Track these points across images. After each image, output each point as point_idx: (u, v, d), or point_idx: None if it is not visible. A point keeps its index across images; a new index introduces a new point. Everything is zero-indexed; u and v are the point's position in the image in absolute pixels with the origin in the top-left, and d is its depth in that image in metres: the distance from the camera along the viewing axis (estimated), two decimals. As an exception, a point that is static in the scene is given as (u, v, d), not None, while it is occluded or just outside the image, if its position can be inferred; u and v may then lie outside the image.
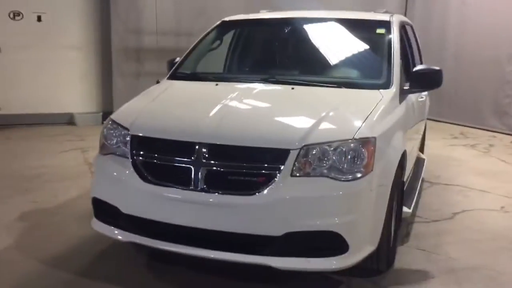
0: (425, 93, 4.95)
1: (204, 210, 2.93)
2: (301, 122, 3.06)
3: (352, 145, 2.95)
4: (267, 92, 3.68)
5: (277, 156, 2.89)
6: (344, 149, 2.94)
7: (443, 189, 5.51)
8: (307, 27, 4.41)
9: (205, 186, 2.94)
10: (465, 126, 9.39)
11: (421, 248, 3.90)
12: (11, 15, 8.34)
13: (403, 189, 3.87)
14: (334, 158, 2.92)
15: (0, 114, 8.42)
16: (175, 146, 3.05)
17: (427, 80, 3.90)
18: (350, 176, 2.92)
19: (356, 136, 2.98)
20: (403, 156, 3.67)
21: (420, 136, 5.54)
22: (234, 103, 3.36)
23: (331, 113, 3.19)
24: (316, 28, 4.37)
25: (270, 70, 4.19)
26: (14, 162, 6.09)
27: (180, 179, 2.99)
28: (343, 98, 3.50)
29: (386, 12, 4.73)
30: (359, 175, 2.94)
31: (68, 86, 8.76)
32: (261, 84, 3.78)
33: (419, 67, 3.92)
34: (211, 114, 3.16)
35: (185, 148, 3.00)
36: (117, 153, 3.26)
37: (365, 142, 2.99)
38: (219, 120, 3.09)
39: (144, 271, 3.43)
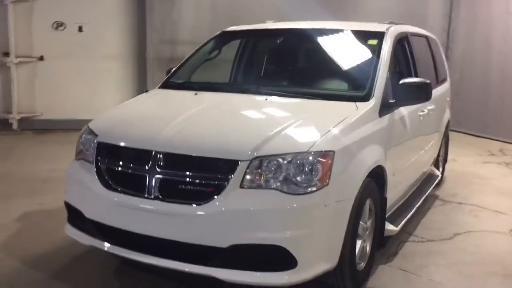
0: (431, 106, 4.74)
1: (155, 218, 2.96)
2: (258, 133, 3.03)
3: (306, 158, 2.89)
4: (239, 102, 3.67)
5: (226, 167, 2.88)
6: (297, 162, 2.89)
7: (455, 208, 5.26)
8: (301, 38, 4.38)
9: (158, 195, 2.97)
10: (507, 142, 8.91)
11: (403, 269, 3.74)
12: (55, 26, 8.81)
13: (385, 206, 3.72)
14: (287, 170, 2.88)
15: (41, 119, 8.89)
16: (133, 154, 3.11)
17: (414, 93, 3.77)
18: (302, 190, 2.86)
19: (312, 149, 2.92)
20: (381, 171, 3.55)
21: (432, 151, 5.32)
22: (200, 113, 3.39)
23: (293, 125, 3.14)
24: (310, 39, 4.32)
25: (255, 80, 4.20)
26: (38, 164, 6.40)
27: (137, 187, 3.03)
28: (314, 110, 3.45)
29: (391, 23, 4.60)
30: (311, 189, 2.87)
31: (105, 94, 9.10)
32: (238, 94, 3.78)
33: (406, 79, 3.78)
34: (173, 123, 3.19)
35: (142, 156, 3.05)
36: (86, 159, 3.36)
37: (321, 155, 2.92)
38: (177, 129, 3.12)
39: (111, 276, 3.50)
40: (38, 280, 3.40)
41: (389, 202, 3.93)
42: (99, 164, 3.24)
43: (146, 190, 2.99)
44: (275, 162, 2.88)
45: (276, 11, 8.92)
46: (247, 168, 2.86)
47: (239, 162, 2.86)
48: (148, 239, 2.99)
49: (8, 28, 8.46)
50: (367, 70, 3.80)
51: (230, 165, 2.87)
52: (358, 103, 3.49)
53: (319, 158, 2.91)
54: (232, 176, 2.85)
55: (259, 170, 2.88)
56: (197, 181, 2.93)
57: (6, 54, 8.56)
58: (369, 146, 3.36)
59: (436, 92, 5.26)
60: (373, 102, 3.55)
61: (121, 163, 3.16)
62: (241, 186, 2.86)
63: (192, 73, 4.46)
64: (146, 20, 8.99)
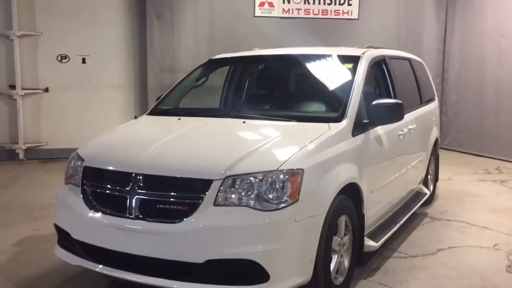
0: (412, 125, 4.90)
1: (136, 237, 3.12)
2: (231, 154, 3.20)
3: (276, 176, 3.06)
4: (218, 126, 3.86)
5: (200, 186, 3.05)
6: (268, 180, 3.05)
7: (442, 224, 5.35)
8: (281, 64, 4.60)
9: (138, 214, 3.15)
10: (505, 161, 8.98)
11: (382, 283, 3.85)
12: (59, 58, 9.13)
13: (363, 222, 3.85)
14: (258, 188, 3.04)
15: (46, 149, 9.15)
16: (116, 176, 3.30)
17: (386, 114, 3.94)
18: (272, 207, 3.02)
19: (281, 168, 3.08)
20: (356, 189, 3.70)
21: (418, 170, 5.45)
22: (179, 137, 3.59)
23: (266, 145, 3.32)
24: (289, 64, 4.54)
25: (236, 104, 4.38)
26: (40, 192, 6.61)
27: (119, 207, 3.21)
28: (288, 131, 3.63)
29: (370, 47, 4.80)
30: (281, 205, 3.03)
31: (108, 123, 9.33)
32: (219, 118, 3.98)
33: (379, 100, 3.95)
34: (152, 147, 3.39)
35: (123, 178, 3.24)
36: (75, 183, 3.55)
37: (290, 173, 3.08)
38: (156, 152, 3.32)
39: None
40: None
41: (370, 219, 4.07)
42: (85, 187, 3.44)
43: (127, 210, 3.17)
44: (246, 181, 3.05)
45: (273, 39, 9.20)
46: (220, 186, 3.03)
47: (213, 181, 3.03)
48: (130, 257, 3.15)
49: (14, 62, 8.78)
50: (341, 92, 3.98)
51: (204, 184, 3.04)
52: (331, 124, 3.67)
53: (289, 176, 3.07)
54: (206, 194, 3.02)
55: (232, 189, 3.05)
56: (174, 200, 3.10)
57: (13, 86, 8.87)
58: (341, 164, 3.51)
59: (420, 111, 5.45)
60: (346, 123, 3.72)
61: (104, 185, 3.35)
62: (215, 204, 3.02)
63: (180, 100, 4.67)
64: (146, 50, 9.30)
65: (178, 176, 3.11)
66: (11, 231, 5.04)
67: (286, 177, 3.07)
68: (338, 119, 3.74)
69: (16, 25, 8.71)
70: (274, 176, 3.06)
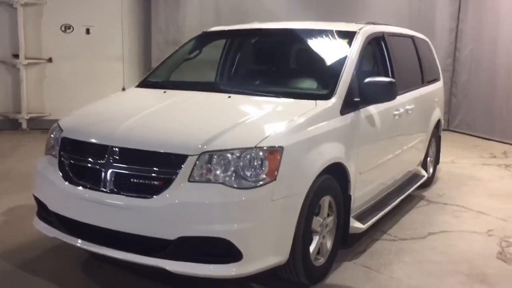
0: (410, 105, 4.75)
1: (110, 211, 3.06)
2: (209, 129, 3.10)
3: (253, 153, 2.96)
4: (202, 100, 3.77)
5: (175, 161, 2.97)
6: (245, 157, 2.96)
7: (438, 208, 5.24)
8: (274, 38, 4.47)
9: (113, 188, 3.08)
10: (513, 145, 8.78)
11: (366, 266, 3.77)
12: (63, 28, 9.05)
13: (350, 203, 3.75)
14: (235, 165, 2.95)
15: (49, 119, 9.11)
16: (92, 149, 3.23)
17: (378, 92, 3.81)
18: (248, 184, 2.93)
19: (260, 145, 2.99)
20: (343, 169, 3.59)
21: (416, 151, 5.32)
22: (159, 110, 3.51)
23: (246, 121, 3.22)
24: (283, 39, 4.40)
25: (225, 79, 4.27)
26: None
27: (94, 181, 3.15)
28: (273, 107, 3.52)
29: (369, 23, 4.64)
30: (258, 183, 2.94)
31: (111, 94, 9.29)
32: (205, 92, 3.88)
33: (371, 78, 3.81)
34: (131, 120, 3.30)
35: (100, 150, 3.17)
36: (53, 154, 3.49)
37: (269, 151, 2.99)
38: (134, 125, 3.23)
39: (78, 268, 3.63)
40: (5, 270, 3.54)
41: (359, 200, 3.98)
42: (62, 158, 3.38)
43: (102, 183, 3.11)
44: (223, 157, 2.96)
45: (280, 12, 9.03)
46: (196, 162, 2.95)
47: (188, 157, 2.94)
48: (105, 231, 3.10)
49: (18, 30, 8.72)
50: (333, 69, 3.85)
51: (178, 159, 2.96)
52: (318, 101, 3.55)
53: (267, 154, 2.98)
54: (181, 169, 2.94)
55: (208, 165, 2.96)
56: (149, 175, 3.03)
57: (16, 56, 8.83)
58: (326, 143, 3.40)
59: (420, 92, 5.29)
60: (334, 100, 3.60)
61: (81, 157, 3.29)
62: (190, 180, 2.94)
63: (170, 73, 4.57)
64: (151, 22, 9.18)
65: (153, 150, 3.03)
66: (4, 200, 5.03)
67: (265, 154, 2.97)
68: (326, 97, 3.62)
69: (20, -8, 8.63)
70: (252, 153, 2.97)
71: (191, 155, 2.95)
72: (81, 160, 3.28)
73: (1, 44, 8.84)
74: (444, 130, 10.02)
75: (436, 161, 6.30)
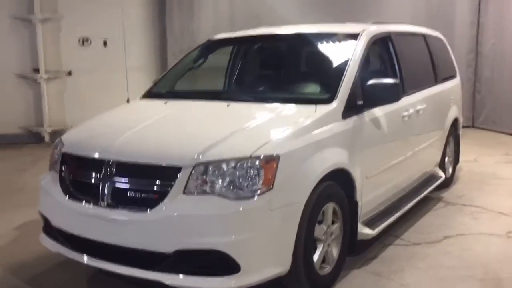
0: (421, 105, 4.62)
1: (108, 225, 3.05)
2: (203, 140, 3.06)
3: (249, 163, 2.91)
4: (201, 109, 3.74)
5: (169, 173, 2.94)
6: (241, 167, 2.91)
7: (456, 210, 5.07)
8: (277, 44, 4.42)
9: (110, 202, 3.07)
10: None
11: (377, 273, 3.67)
12: (81, 42, 9.18)
13: (356, 209, 3.66)
14: (231, 176, 2.90)
15: (70, 131, 9.27)
16: (90, 163, 3.23)
17: (381, 95, 3.72)
18: (244, 195, 2.88)
19: (255, 154, 2.93)
20: (347, 175, 3.51)
21: (431, 152, 5.17)
22: (157, 121, 3.49)
23: (243, 130, 3.18)
24: (285, 44, 4.36)
25: (226, 86, 4.24)
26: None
27: (93, 195, 3.15)
28: (271, 115, 3.47)
29: (375, 23, 4.54)
30: (254, 194, 2.88)
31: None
32: (205, 101, 3.85)
33: (374, 80, 3.71)
34: (128, 133, 3.29)
35: (97, 165, 3.16)
36: (55, 169, 3.51)
37: (264, 160, 2.93)
38: (130, 138, 3.22)
39: (85, 282, 3.64)
40: (14, 285, 3.58)
41: (367, 206, 3.88)
42: (63, 174, 3.39)
43: (100, 197, 3.10)
44: (218, 168, 2.92)
45: (294, 16, 8.94)
46: (190, 174, 2.91)
47: (181, 169, 2.91)
48: (104, 246, 3.09)
49: (37, 46, 8.88)
50: (334, 73, 3.77)
51: (172, 172, 2.93)
52: (318, 106, 3.48)
53: (263, 163, 2.92)
54: (175, 182, 2.91)
55: (204, 176, 2.92)
56: (145, 188, 3.01)
57: (36, 70, 8.99)
58: (326, 149, 3.32)
59: (433, 90, 5.15)
60: (335, 105, 3.52)
61: (80, 172, 3.30)
62: (185, 192, 2.91)
63: (175, 82, 4.56)
64: (166, 31, 9.23)
65: (147, 162, 3.02)
66: (18, 214, 5.09)
67: (260, 163, 2.92)
68: (327, 101, 3.54)
69: (38, 8, 8.78)
70: (247, 163, 2.91)
71: (185, 167, 2.91)
72: (80, 174, 3.29)
73: (21, 59, 9.00)
74: (468, 127, 9.90)
75: (456, 161, 6.12)
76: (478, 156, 7.41)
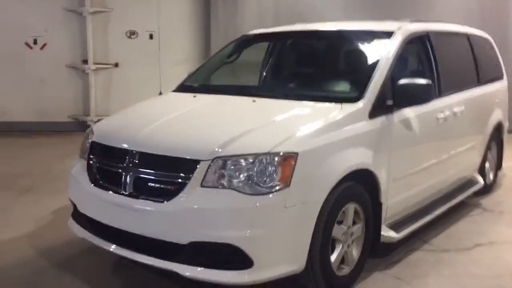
0: (460, 107, 4.47)
1: (128, 214, 3.12)
2: (224, 134, 3.08)
3: (266, 159, 2.91)
4: (227, 104, 3.75)
5: (188, 166, 2.97)
6: (258, 163, 2.91)
7: (493, 217, 4.89)
8: (309, 40, 4.38)
9: (132, 191, 3.14)
10: None
11: (399, 277, 3.59)
12: (128, 34, 9.40)
13: (380, 211, 3.59)
14: (248, 171, 2.91)
15: (115, 122, 9.52)
16: (115, 152, 3.31)
17: (412, 95, 3.63)
18: (261, 191, 2.88)
19: (273, 150, 2.93)
20: (371, 176, 3.44)
21: (469, 156, 4.99)
22: (183, 114, 3.54)
23: (264, 126, 3.17)
24: (318, 41, 4.30)
25: (256, 82, 4.23)
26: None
27: (116, 184, 3.22)
28: (295, 112, 3.44)
29: (415, 21, 4.43)
30: (270, 190, 2.88)
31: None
32: (233, 96, 3.86)
33: (404, 80, 3.62)
34: (153, 125, 3.35)
35: (122, 154, 3.24)
36: (84, 157, 3.62)
37: (282, 157, 2.92)
38: (154, 130, 3.28)
39: (109, 268, 3.73)
40: (41, 266, 3.72)
41: (393, 209, 3.80)
42: (91, 162, 3.49)
43: (122, 186, 3.17)
44: (236, 163, 2.93)
45: (340, 11, 8.87)
46: (208, 167, 2.93)
47: (200, 162, 2.94)
48: (125, 233, 3.16)
49: (87, 37, 9.15)
50: (364, 71, 3.71)
51: (191, 164, 2.96)
52: (344, 104, 3.43)
53: (280, 160, 2.91)
54: (193, 174, 2.94)
55: (222, 170, 2.94)
56: (164, 179, 3.06)
57: (85, 61, 9.27)
58: (349, 149, 3.27)
59: (474, 92, 4.99)
60: (362, 104, 3.46)
61: (106, 161, 3.38)
62: (202, 185, 2.94)
63: (208, 76, 4.60)
64: (210, 25, 9.33)
65: (168, 154, 3.06)
66: (54, 200, 5.27)
67: (278, 160, 2.91)
68: (354, 100, 3.49)
69: (89, 1, 9.02)
70: (265, 159, 2.91)
71: (204, 160, 2.94)
72: (106, 163, 3.37)
73: (71, 50, 9.30)
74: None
75: (498, 167, 5.89)
76: (526, 162, 7.09)
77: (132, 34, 9.40)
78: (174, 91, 4.41)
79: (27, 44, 9.15)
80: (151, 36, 9.44)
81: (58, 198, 5.29)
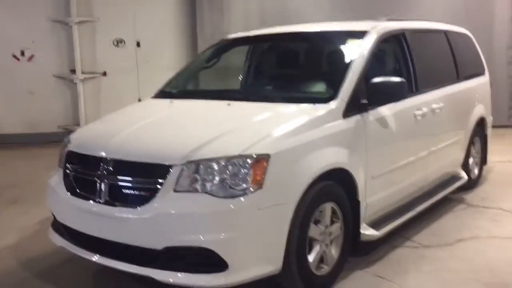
0: (438, 104, 4.50)
1: (104, 221, 3.13)
2: (197, 138, 3.10)
3: (239, 162, 2.93)
4: (201, 109, 3.78)
5: (161, 171, 2.98)
6: (231, 166, 2.93)
7: (476, 212, 4.90)
8: (286, 43, 4.42)
9: (108, 199, 3.15)
10: None
11: (379, 275, 3.60)
12: (115, 43, 9.43)
13: (358, 209, 3.61)
14: (220, 174, 2.93)
15: (105, 130, 9.53)
16: (90, 161, 3.33)
17: (385, 93, 3.66)
18: (233, 193, 2.90)
19: (245, 153, 2.95)
20: (348, 175, 3.46)
21: (451, 152, 5.01)
22: (156, 120, 3.57)
23: (236, 129, 3.19)
24: (293, 43, 4.33)
25: (231, 85, 4.25)
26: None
27: (92, 192, 3.24)
28: (269, 114, 3.46)
29: (390, 19, 4.47)
30: (243, 192, 2.90)
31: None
32: (208, 100, 3.88)
33: (377, 79, 3.64)
34: (126, 131, 3.37)
35: (96, 162, 3.25)
36: (61, 167, 3.63)
37: (255, 159, 2.93)
38: (127, 137, 3.30)
39: (91, 277, 3.73)
40: (22, 277, 3.73)
41: (375, 206, 3.82)
42: (67, 171, 3.50)
43: (98, 194, 3.19)
44: (208, 166, 2.95)
45: (327, 13, 8.91)
46: (181, 172, 2.95)
47: (172, 167, 2.96)
48: (102, 241, 3.17)
49: (74, 47, 9.17)
50: (338, 71, 3.73)
51: (163, 170, 2.98)
52: (318, 105, 3.46)
53: (253, 162, 2.93)
54: (166, 180, 2.96)
55: (195, 174, 2.96)
56: (138, 185, 3.08)
57: (73, 71, 9.29)
58: (323, 149, 3.29)
59: (453, 89, 5.01)
60: (336, 103, 3.48)
61: (81, 169, 3.40)
62: (175, 190, 2.95)
63: (187, 82, 4.63)
64: (197, 31, 9.36)
65: (140, 160, 3.08)
66: (42, 210, 5.21)
67: (250, 162, 2.93)
68: (327, 100, 3.51)
69: (75, 11, 9.05)
70: (237, 162, 2.93)
71: (176, 165, 2.96)
72: (82, 172, 3.39)
73: (59, 61, 9.31)
74: (509, 127, 9.53)
75: (483, 162, 5.91)
76: (513, 157, 7.13)
77: (119, 42, 9.43)
78: (153, 97, 4.43)
79: (14, 56, 9.17)
80: (138, 44, 9.47)
81: (44, 209, 5.19)
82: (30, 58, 9.22)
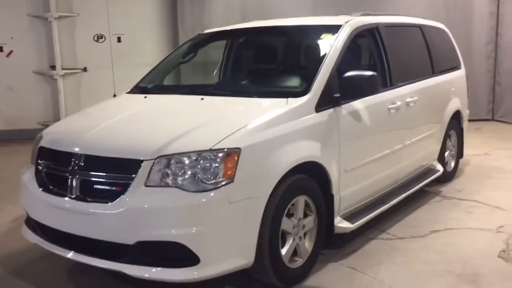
0: (412, 98, 4.54)
1: (74, 217, 3.13)
2: (168, 133, 3.10)
3: (209, 156, 2.94)
4: (174, 103, 3.78)
5: (132, 166, 2.99)
6: (201, 160, 2.94)
7: (452, 204, 4.97)
8: (264, 37, 4.43)
9: (79, 194, 3.15)
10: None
11: (352, 266, 3.64)
12: (95, 38, 9.36)
13: (332, 202, 3.64)
14: (191, 169, 2.94)
15: (86, 126, 9.48)
16: (61, 156, 3.31)
17: (357, 87, 3.69)
18: (204, 187, 2.91)
19: (215, 147, 2.96)
20: (320, 168, 3.49)
21: (427, 145, 5.07)
22: (129, 116, 3.56)
23: (207, 123, 3.20)
24: (272, 37, 4.35)
25: (206, 80, 4.26)
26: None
27: (63, 187, 3.23)
28: (241, 108, 3.48)
29: (364, 14, 4.49)
30: (215, 186, 2.91)
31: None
32: (182, 95, 3.88)
33: (349, 73, 3.67)
34: (99, 127, 3.36)
35: (67, 158, 3.24)
36: (33, 163, 3.61)
37: (225, 153, 2.95)
38: (99, 132, 3.29)
39: (65, 273, 3.72)
40: (-2, 275, 3.72)
41: (349, 199, 3.86)
42: (39, 167, 3.49)
43: (69, 190, 3.18)
44: (179, 161, 2.96)
45: (306, 9, 8.92)
46: (152, 166, 2.95)
47: (143, 161, 2.96)
48: (74, 237, 3.17)
49: (54, 43, 9.09)
50: (310, 65, 3.77)
51: (134, 165, 2.98)
52: (290, 99, 3.47)
53: (223, 156, 2.94)
54: (137, 175, 2.96)
55: (166, 169, 2.96)
56: (109, 180, 3.08)
57: (53, 67, 9.21)
58: (295, 142, 3.31)
59: (428, 82, 5.06)
60: (308, 97, 3.50)
61: (53, 165, 3.38)
62: (146, 185, 2.95)
63: (163, 77, 4.62)
64: (178, 25, 9.33)
65: (111, 156, 3.08)
66: (18, 207, 5.20)
67: (221, 156, 2.94)
68: (300, 94, 3.53)
69: (54, 7, 8.95)
70: (208, 156, 2.94)
71: (147, 160, 2.96)
72: (54, 168, 3.38)
73: (39, 56, 9.23)
74: (488, 120, 9.66)
75: (459, 155, 5.98)
76: (491, 149, 7.23)
77: (99, 38, 9.36)
78: (128, 92, 4.42)
79: (-7, 52, 9.08)
80: (119, 39, 9.41)
81: (20, 206, 5.24)
82: (9, 54, 9.12)
